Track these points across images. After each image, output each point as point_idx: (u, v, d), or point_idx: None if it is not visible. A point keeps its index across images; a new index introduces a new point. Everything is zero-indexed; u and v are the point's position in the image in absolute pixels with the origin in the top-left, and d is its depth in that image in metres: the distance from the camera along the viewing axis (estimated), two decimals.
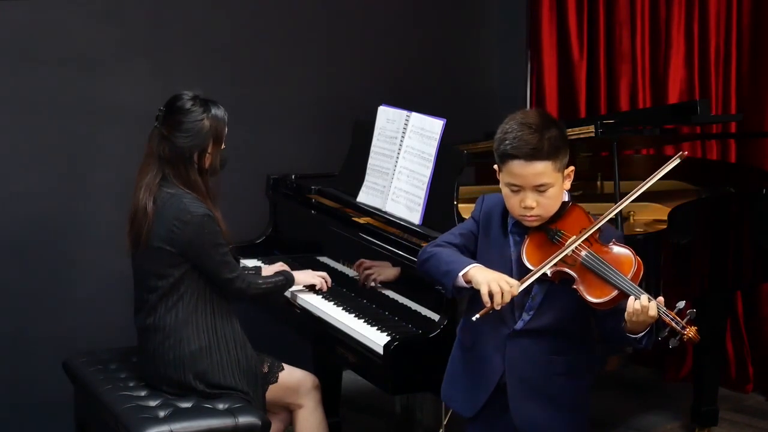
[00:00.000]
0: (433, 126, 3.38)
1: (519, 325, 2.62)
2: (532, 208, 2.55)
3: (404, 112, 3.53)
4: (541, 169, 2.52)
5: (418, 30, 4.87)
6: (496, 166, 2.62)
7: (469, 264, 2.58)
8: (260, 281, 3.34)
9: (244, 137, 4.11)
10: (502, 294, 2.48)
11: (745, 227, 3.74)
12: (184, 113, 3.17)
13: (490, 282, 2.49)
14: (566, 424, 2.69)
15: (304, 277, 3.48)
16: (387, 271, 3.31)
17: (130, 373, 3.35)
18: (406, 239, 3.26)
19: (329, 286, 3.50)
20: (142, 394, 3.23)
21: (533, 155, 2.51)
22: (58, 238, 4.04)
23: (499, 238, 2.66)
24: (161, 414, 3.11)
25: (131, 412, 3.11)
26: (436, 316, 3.07)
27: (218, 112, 3.21)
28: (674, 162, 2.61)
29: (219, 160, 3.24)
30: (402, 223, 3.37)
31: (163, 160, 3.17)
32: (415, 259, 3.14)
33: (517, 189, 2.56)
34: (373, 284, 3.37)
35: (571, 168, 2.61)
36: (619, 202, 2.64)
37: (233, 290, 3.23)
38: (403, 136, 3.49)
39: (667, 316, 2.43)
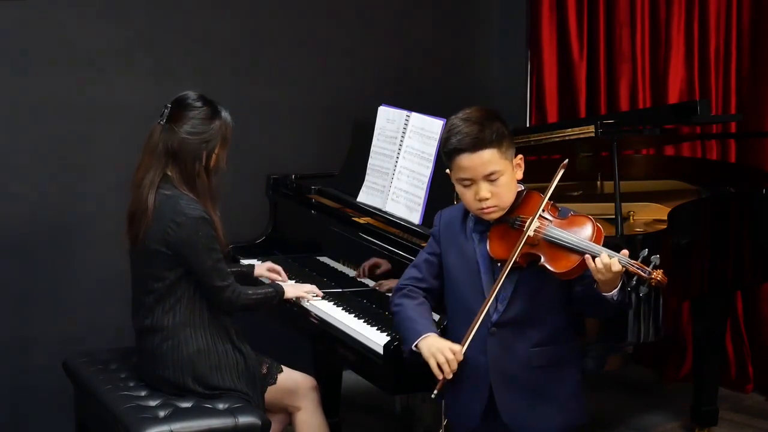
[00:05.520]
0: (433, 126, 3.38)
1: (494, 317, 2.65)
2: (487, 199, 2.61)
3: (404, 112, 3.53)
4: (488, 157, 2.59)
5: (418, 30, 4.87)
6: (447, 170, 2.70)
7: (420, 336, 2.67)
8: (250, 292, 3.28)
9: (244, 137, 4.09)
10: (449, 362, 2.60)
11: (745, 227, 3.73)
12: (193, 109, 3.17)
13: (435, 354, 2.61)
14: (555, 418, 2.70)
15: (292, 290, 3.42)
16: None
17: (130, 373, 3.35)
18: (406, 239, 3.26)
19: (319, 296, 3.46)
20: (142, 394, 3.23)
21: (477, 145, 2.59)
22: (57, 238, 4.04)
23: (464, 243, 2.71)
24: (161, 414, 3.10)
25: (131, 412, 3.11)
26: (436, 316, 3.07)
27: (226, 114, 3.23)
28: (560, 172, 2.63)
29: (225, 162, 3.25)
30: (402, 223, 3.37)
31: (169, 156, 3.16)
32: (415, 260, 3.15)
33: (469, 183, 2.63)
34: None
35: (520, 156, 2.68)
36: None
37: (222, 300, 3.18)
38: (403, 136, 3.49)
39: (632, 265, 2.50)
